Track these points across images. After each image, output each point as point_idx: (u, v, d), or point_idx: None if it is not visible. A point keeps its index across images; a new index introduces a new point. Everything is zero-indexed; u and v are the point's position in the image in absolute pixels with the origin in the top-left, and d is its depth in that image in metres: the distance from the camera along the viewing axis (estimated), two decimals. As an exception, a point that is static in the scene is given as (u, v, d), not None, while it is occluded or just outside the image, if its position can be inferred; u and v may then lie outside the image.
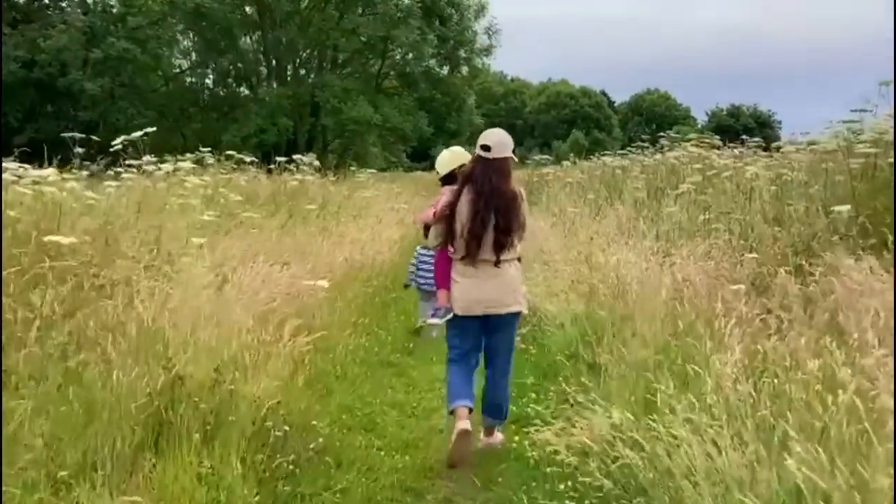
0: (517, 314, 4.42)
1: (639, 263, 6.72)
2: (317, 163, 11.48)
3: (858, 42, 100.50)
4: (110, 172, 6.90)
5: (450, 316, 4.37)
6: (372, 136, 25.38)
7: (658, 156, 13.44)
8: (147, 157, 6.92)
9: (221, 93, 27.64)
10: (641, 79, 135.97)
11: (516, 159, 4.50)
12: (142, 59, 23.20)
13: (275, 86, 25.08)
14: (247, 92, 27.75)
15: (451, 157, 4.91)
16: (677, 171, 11.54)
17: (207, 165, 9.05)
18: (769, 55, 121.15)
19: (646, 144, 14.98)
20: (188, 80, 29.06)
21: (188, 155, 8.90)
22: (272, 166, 11.08)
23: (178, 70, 27.91)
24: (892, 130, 5.50)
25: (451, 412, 4.30)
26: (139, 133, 6.68)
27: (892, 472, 2.51)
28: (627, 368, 4.89)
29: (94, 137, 6.99)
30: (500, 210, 4.21)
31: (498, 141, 4.30)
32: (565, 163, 18.44)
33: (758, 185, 8.20)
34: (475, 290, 4.28)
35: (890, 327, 3.37)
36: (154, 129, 7.29)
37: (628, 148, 15.65)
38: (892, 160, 5.36)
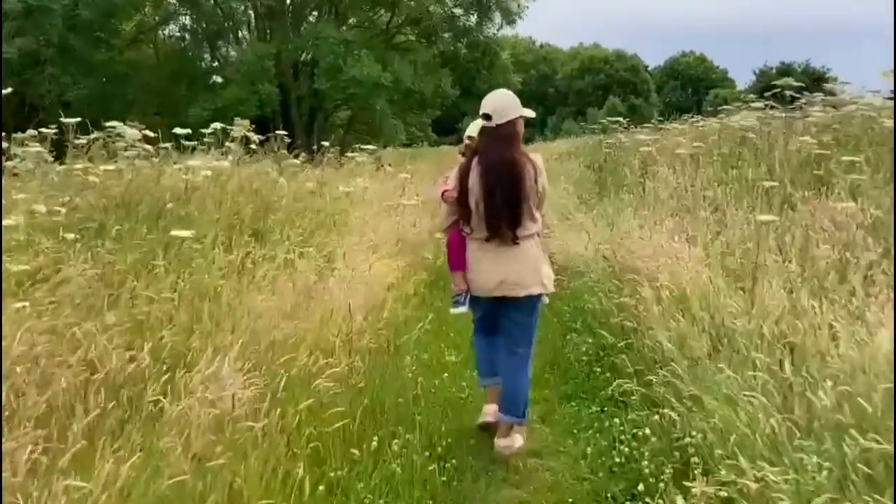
0: (538, 296, 3.96)
1: None
2: (256, 136, 6.51)
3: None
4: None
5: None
6: (381, 102, 19.24)
7: (829, 110, 8.39)
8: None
9: (190, 54, 22.30)
10: (673, 41, 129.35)
11: (531, 114, 3.94)
12: (82, 13, 18.02)
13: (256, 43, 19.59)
14: (232, 53, 22.53)
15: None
16: None
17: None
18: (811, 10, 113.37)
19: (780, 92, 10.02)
20: (165, 40, 23.91)
21: (30, 132, 5.94)
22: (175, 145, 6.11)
23: (136, 28, 22.56)
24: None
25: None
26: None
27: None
28: None
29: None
30: (504, 180, 3.79)
31: (496, 106, 3.84)
32: (648, 125, 13.27)
33: None
34: (493, 270, 3.90)
35: None
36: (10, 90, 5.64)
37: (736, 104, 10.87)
38: None
